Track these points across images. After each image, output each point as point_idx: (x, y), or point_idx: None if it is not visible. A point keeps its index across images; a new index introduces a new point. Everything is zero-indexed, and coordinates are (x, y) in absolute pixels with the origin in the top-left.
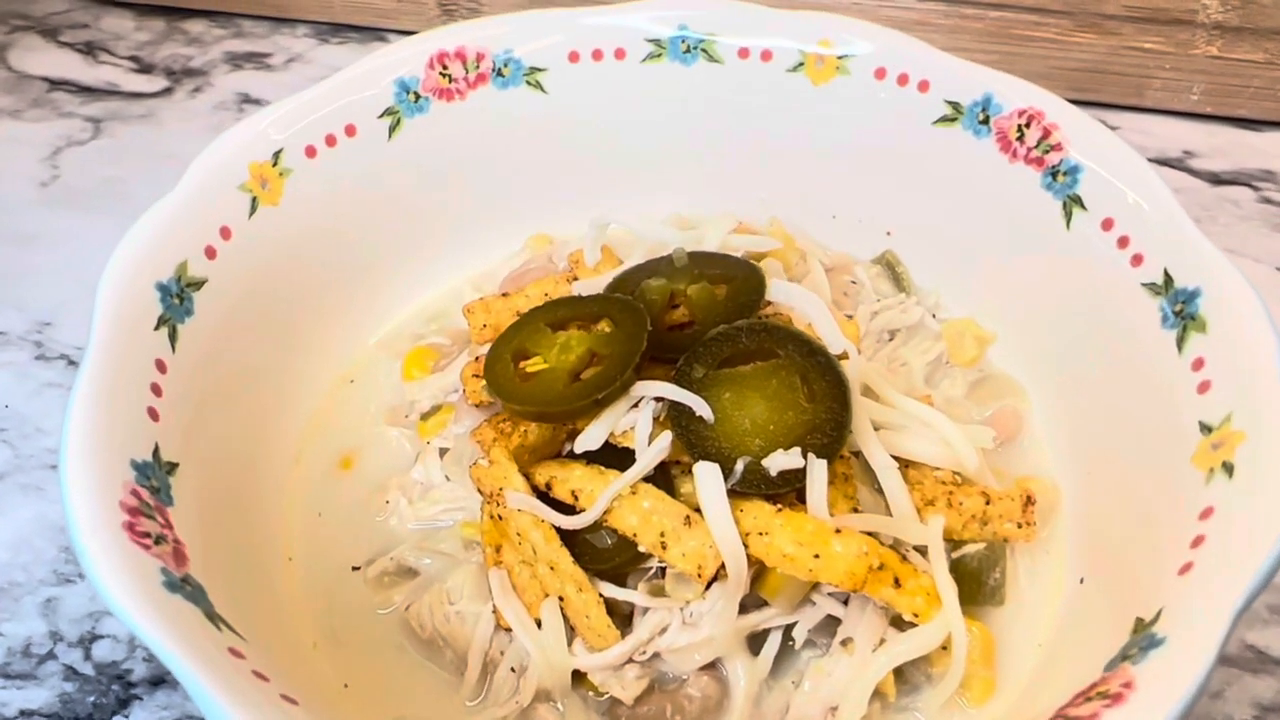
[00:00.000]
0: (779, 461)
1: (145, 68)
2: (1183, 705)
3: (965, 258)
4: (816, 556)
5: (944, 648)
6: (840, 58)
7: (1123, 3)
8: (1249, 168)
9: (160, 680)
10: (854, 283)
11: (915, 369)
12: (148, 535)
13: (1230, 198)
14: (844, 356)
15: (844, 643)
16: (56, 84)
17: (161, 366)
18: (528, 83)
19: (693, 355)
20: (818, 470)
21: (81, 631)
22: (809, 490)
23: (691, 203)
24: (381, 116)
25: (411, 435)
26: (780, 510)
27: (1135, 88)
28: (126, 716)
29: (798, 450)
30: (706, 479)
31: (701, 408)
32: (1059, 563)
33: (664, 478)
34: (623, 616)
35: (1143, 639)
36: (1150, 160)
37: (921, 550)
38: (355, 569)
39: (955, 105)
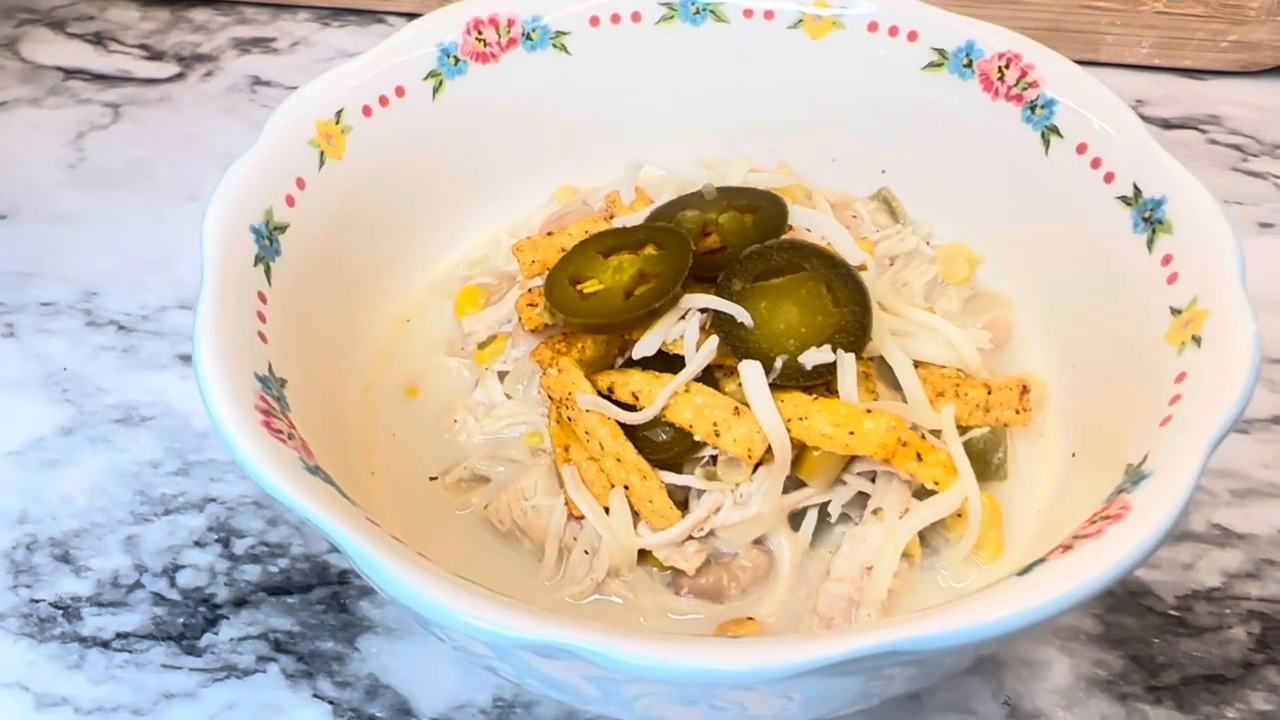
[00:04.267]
0: (812, 357)
1: (155, 55)
2: (1172, 518)
3: (954, 189)
4: (851, 433)
5: (959, 515)
6: (835, 14)
7: None
8: (1196, 113)
9: (244, 601)
10: (855, 216)
11: (916, 288)
12: (281, 432)
13: (1180, 140)
14: (862, 267)
15: (875, 512)
16: (71, 73)
17: (263, 298)
18: (554, 45)
19: (731, 271)
20: (847, 363)
21: (164, 563)
22: (840, 380)
23: (706, 151)
24: (426, 79)
25: (469, 364)
26: (816, 399)
27: (1090, 43)
28: (216, 633)
29: (828, 347)
30: (750, 374)
31: (742, 315)
32: (1052, 444)
33: (709, 379)
34: (679, 502)
35: (1134, 476)
36: None
37: (935, 434)
38: (433, 479)
39: (941, 52)
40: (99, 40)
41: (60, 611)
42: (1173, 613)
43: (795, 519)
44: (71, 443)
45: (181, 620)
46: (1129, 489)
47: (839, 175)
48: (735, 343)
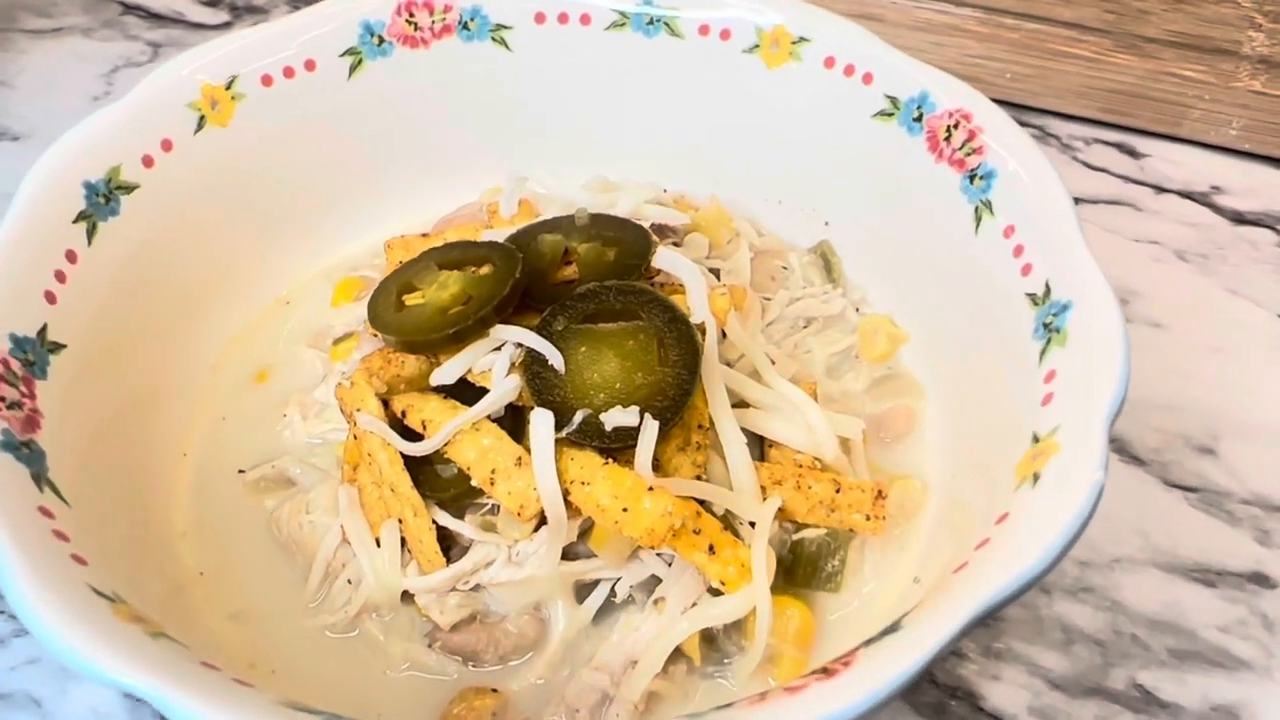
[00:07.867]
0: (615, 418)
1: (212, 2)
2: (885, 688)
3: (891, 255)
4: (625, 510)
5: None
6: (794, 43)
7: (1165, 26)
8: (1277, 210)
9: None
10: (784, 268)
11: (818, 358)
12: (2, 399)
13: (1249, 238)
14: (702, 328)
15: (656, 601)
16: (130, 9)
17: (72, 257)
18: (493, 38)
19: (559, 308)
20: (649, 430)
21: None
22: (638, 449)
23: (639, 171)
24: (343, 55)
25: (325, 358)
26: (608, 464)
27: (1172, 116)
28: None
29: (636, 409)
30: (538, 425)
31: (555, 357)
32: (910, 561)
33: (518, 421)
34: (461, 548)
35: (889, 628)
36: (1174, 192)
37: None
38: (241, 472)
39: (894, 100)
40: None
41: None
42: None
43: (586, 591)
44: None
45: None
46: (878, 639)
47: (783, 220)
48: (539, 386)
